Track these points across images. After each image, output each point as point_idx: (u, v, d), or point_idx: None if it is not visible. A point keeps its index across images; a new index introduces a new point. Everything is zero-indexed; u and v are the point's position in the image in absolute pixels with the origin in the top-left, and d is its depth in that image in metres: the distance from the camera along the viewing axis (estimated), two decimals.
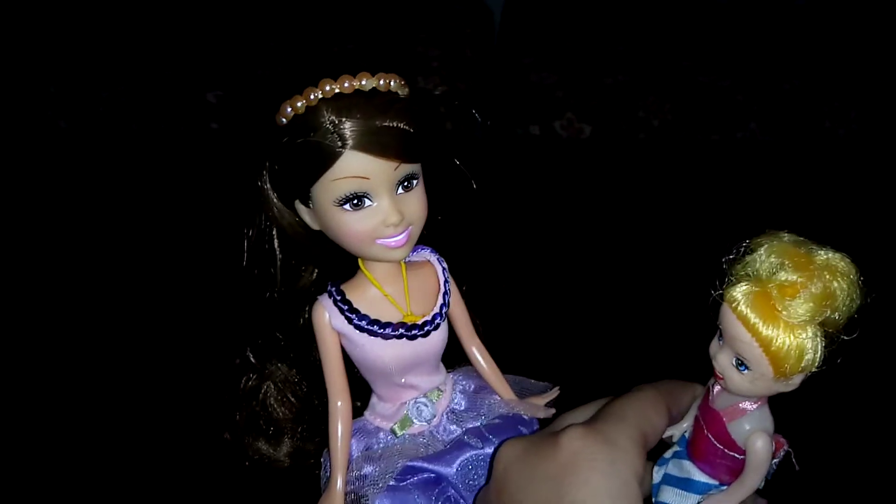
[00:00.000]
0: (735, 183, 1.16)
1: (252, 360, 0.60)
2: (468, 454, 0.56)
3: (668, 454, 0.49)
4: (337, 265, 0.57)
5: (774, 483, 0.46)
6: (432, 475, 0.55)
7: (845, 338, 0.41)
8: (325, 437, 0.56)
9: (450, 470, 0.55)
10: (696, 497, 0.47)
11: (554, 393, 0.63)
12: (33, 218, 1.02)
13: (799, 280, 0.40)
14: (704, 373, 0.47)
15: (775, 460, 0.46)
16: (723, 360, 0.43)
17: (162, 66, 1.32)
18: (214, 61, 1.31)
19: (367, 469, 0.55)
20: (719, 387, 0.45)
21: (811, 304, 0.39)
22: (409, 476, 0.55)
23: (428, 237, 0.59)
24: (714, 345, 0.44)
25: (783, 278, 0.40)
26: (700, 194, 1.11)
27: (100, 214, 1.02)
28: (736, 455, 0.45)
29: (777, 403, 0.45)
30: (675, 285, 0.42)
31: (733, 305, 0.41)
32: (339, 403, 0.56)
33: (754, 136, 1.31)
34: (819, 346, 0.40)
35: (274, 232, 0.56)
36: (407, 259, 0.58)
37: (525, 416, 0.60)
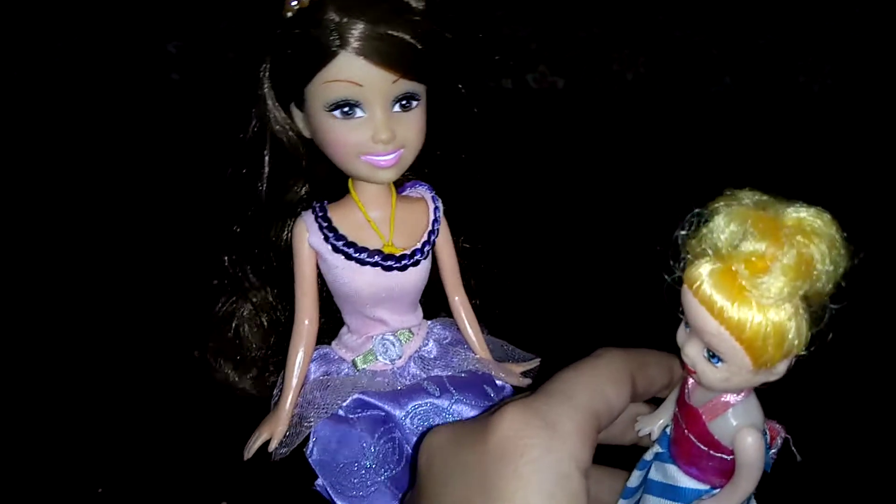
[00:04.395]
0: (709, 137, 1.15)
1: (230, 271, 0.58)
2: (422, 400, 0.53)
3: (648, 456, 0.42)
4: (328, 185, 0.55)
5: (774, 475, 0.40)
6: (382, 414, 0.53)
7: (833, 307, 0.34)
8: None
9: (400, 411, 0.53)
10: None
11: (533, 363, 0.60)
12: None
13: (767, 250, 0.33)
14: None
15: (773, 450, 0.41)
16: (692, 352, 0.37)
17: (121, 15, 1.27)
18: (175, 12, 1.27)
19: (317, 395, 0.53)
20: (693, 381, 0.39)
21: (786, 278, 0.32)
22: (359, 410, 0.53)
23: (431, 178, 0.57)
24: (681, 333, 0.37)
25: (748, 250, 0.33)
26: (673, 149, 1.09)
27: (57, 167, 0.99)
28: (724, 456, 0.38)
29: (764, 387, 0.38)
30: (648, 245, 0.37)
31: (694, 288, 0.34)
32: (306, 322, 0.54)
33: (728, 91, 1.30)
34: (803, 326, 0.34)
35: (267, 137, 0.53)
36: (402, 192, 0.57)
37: (496, 380, 0.57)
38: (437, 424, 0.51)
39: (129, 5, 1.30)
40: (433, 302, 0.60)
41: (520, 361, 0.61)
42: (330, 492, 0.51)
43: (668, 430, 0.42)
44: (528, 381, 0.59)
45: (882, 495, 0.61)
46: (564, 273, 0.81)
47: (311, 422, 0.52)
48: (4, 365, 0.68)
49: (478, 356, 0.58)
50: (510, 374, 0.58)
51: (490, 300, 0.63)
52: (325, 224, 0.52)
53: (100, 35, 1.25)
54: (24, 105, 1.16)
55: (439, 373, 0.56)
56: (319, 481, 0.52)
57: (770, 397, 0.39)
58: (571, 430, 0.35)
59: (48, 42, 1.24)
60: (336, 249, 0.52)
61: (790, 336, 0.33)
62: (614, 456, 0.44)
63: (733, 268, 0.33)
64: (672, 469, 0.41)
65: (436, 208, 0.56)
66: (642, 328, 0.40)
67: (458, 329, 0.59)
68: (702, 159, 1.04)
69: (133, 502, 0.57)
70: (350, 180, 0.54)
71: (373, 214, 0.53)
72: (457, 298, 0.59)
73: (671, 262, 0.36)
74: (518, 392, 0.57)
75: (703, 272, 0.34)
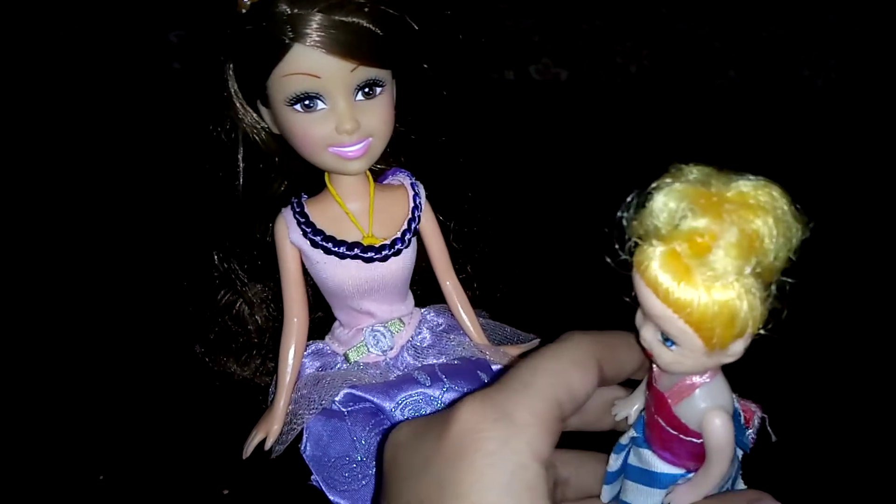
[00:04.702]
0: (712, 130, 1.14)
1: (221, 267, 0.58)
2: (412, 391, 0.53)
3: (623, 440, 0.41)
4: (307, 180, 0.54)
5: (759, 456, 0.40)
6: (373, 406, 0.53)
7: (787, 281, 0.32)
8: None
9: (390, 403, 0.52)
10: (663, 492, 0.39)
11: (532, 344, 0.59)
12: None
13: (708, 227, 0.31)
14: None
15: (751, 431, 0.40)
16: (648, 336, 0.35)
17: (122, 5, 1.27)
18: (176, 1, 1.26)
19: (309, 390, 0.53)
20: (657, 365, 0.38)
21: (729, 257, 0.31)
22: (350, 404, 0.53)
23: (412, 167, 0.57)
24: (638, 317, 0.36)
25: (688, 228, 0.32)
26: (677, 141, 1.09)
27: (56, 156, 0.99)
28: (694, 440, 0.37)
29: (740, 366, 0.36)
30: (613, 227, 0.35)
31: (640, 271, 0.33)
32: (294, 320, 0.54)
33: (732, 84, 1.29)
34: (755, 303, 0.32)
35: (239, 136, 0.53)
36: (383, 181, 0.56)
37: (492, 364, 0.56)
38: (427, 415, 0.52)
39: None
40: (430, 289, 0.60)
41: (518, 343, 0.60)
42: (323, 486, 0.51)
43: (643, 414, 0.41)
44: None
45: (864, 471, 0.61)
46: (566, 261, 0.80)
47: (302, 418, 0.52)
48: (6, 359, 0.68)
49: (473, 341, 0.57)
50: (507, 357, 0.57)
51: (489, 284, 0.63)
52: (303, 220, 0.52)
53: (101, 24, 1.24)
54: (24, 94, 1.15)
55: (433, 361, 0.55)
56: (315, 476, 0.52)
57: (744, 376, 0.38)
58: (529, 420, 0.35)
59: (49, 31, 1.23)
60: (315, 244, 0.52)
61: (741, 315, 0.32)
62: (598, 440, 0.44)
63: (676, 248, 0.32)
64: (647, 454, 0.40)
65: (415, 195, 0.55)
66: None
67: (453, 314, 0.58)
68: (705, 152, 1.02)
69: (134, 496, 0.57)
70: (326, 173, 0.53)
71: (352, 206, 0.53)
72: (448, 283, 0.58)
73: (616, 246, 0.34)
74: None
75: (648, 254, 0.33)
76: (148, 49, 1.22)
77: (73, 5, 1.27)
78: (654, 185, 0.34)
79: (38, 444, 0.60)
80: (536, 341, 0.60)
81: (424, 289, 0.59)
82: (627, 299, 0.35)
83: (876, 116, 1.19)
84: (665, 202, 0.33)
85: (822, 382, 0.67)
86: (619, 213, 0.34)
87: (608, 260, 0.34)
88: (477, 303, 0.60)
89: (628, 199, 0.34)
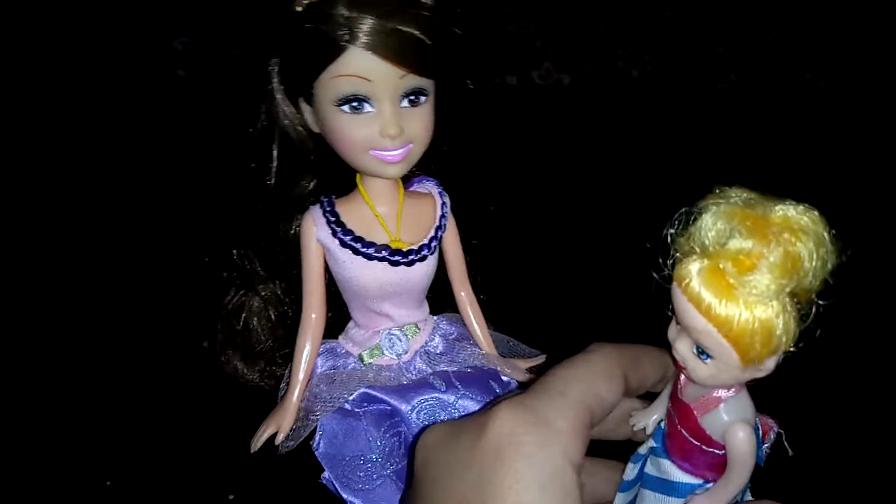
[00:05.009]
0: (715, 134, 1.15)
1: (239, 264, 0.58)
2: (428, 395, 0.54)
3: (642, 450, 0.43)
4: (336, 180, 0.55)
5: (767, 469, 0.41)
6: (388, 408, 0.53)
7: (820, 303, 0.34)
8: None
9: (406, 406, 0.53)
10: (680, 501, 0.40)
11: (539, 359, 0.60)
12: None
13: (754, 248, 0.33)
14: None
15: (766, 445, 0.41)
16: (682, 349, 0.37)
17: (126, 12, 1.27)
18: (181, 8, 1.27)
19: (324, 388, 0.53)
20: (685, 377, 0.39)
21: (772, 276, 0.33)
22: (365, 404, 0.53)
23: (439, 174, 0.57)
24: (672, 330, 0.38)
25: (735, 248, 0.34)
26: (679, 146, 1.09)
27: (62, 163, 0.99)
28: (716, 451, 0.39)
29: (753, 384, 0.38)
30: (653, 242, 0.36)
31: (682, 286, 0.35)
32: (313, 317, 0.55)
33: (734, 88, 1.30)
34: (791, 322, 0.34)
35: (275, 131, 0.54)
36: (410, 187, 0.57)
37: (502, 375, 0.57)
38: (442, 420, 0.52)
39: (134, 2, 1.30)
40: (440, 297, 0.60)
41: (525, 357, 0.61)
42: (336, 485, 0.51)
43: (662, 424, 0.42)
44: (532, 376, 0.58)
45: (873, 488, 0.61)
46: (569, 269, 0.81)
47: (317, 415, 0.52)
48: (13, 359, 0.68)
49: (483, 352, 0.58)
50: (515, 370, 0.58)
51: (496, 296, 0.63)
52: (333, 219, 0.53)
53: (106, 31, 1.25)
54: (29, 101, 1.16)
55: (445, 368, 0.56)
56: (325, 474, 0.52)
57: (763, 392, 0.39)
58: (564, 426, 0.36)
59: (54, 38, 1.24)
60: (344, 244, 0.52)
61: (777, 333, 0.34)
62: (611, 449, 0.45)
63: (721, 265, 0.34)
64: (666, 464, 0.41)
65: (443, 204, 0.56)
66: (646, 324, 0.40)
67: (465, 324, 0.59)
68: (708, 156, 1.03)
69: (140, 495, 0.57)
70: (358, 175, 0.54)
71: (380, 209, 0.54)
72: (463, 294, 0.59)
73: (660, 260, 0.36)
74: (523, 388, 0.57)
75: (691, 270, 0.35)
76: (152, 56, 1.22)
77: (77, 12, 1.27)
78: (699, 205, 0.36)
79: (43, 448, 0.60)
80: (542, 357, 0.61)
81: (434, 297, 0.60)
82: (669, 312, 0.36)
83: (877, 118, 1.20)
84: (714, 222, 0.35)
85: (829, 394, 0.68)
86: (665, 230, 0.36)
87: (655, 275, 0.36)
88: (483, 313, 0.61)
89: (676, 216, 0.36)
